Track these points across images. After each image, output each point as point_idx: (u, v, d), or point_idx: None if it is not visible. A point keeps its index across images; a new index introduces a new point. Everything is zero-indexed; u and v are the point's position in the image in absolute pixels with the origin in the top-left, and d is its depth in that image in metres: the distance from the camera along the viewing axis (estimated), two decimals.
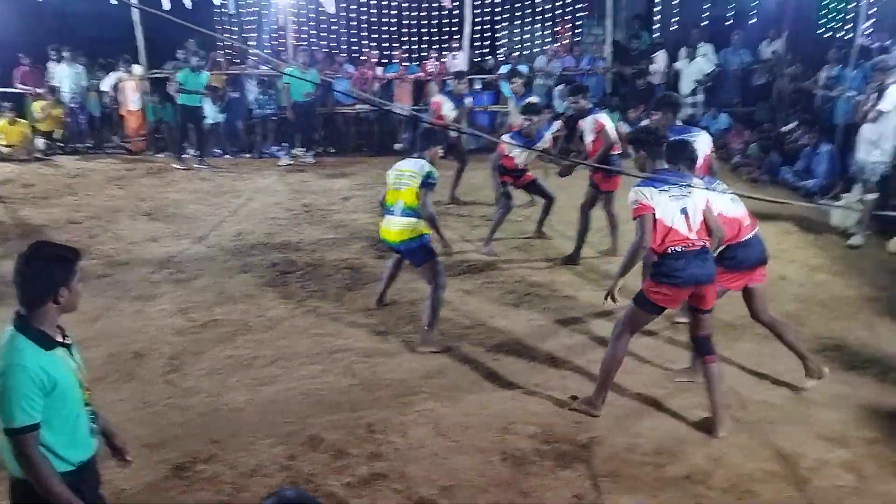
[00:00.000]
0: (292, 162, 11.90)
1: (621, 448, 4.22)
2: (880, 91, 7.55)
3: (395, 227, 5.40)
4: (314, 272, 7.00)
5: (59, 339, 2.62)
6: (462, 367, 5.19)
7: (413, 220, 5.35)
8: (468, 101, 9.51)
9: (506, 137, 7.61)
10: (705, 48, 12.51)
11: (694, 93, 12.46)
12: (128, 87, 12.65)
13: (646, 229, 4.12)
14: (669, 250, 4.17)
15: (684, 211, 4.17)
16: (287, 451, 4.23)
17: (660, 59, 12.80)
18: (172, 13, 11.50)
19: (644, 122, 6.22)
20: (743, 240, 4.60)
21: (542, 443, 4.27)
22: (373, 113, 13.17)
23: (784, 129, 10.93)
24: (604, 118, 6.98)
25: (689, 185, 4.25)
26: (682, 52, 12.66)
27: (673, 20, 13.09)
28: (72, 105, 12.60)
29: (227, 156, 12.66)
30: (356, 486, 3.91)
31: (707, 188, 4.43)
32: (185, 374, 5.11)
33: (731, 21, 12.30)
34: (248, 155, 12.71)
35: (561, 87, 12.31)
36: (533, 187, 7.78)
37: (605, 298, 4.45)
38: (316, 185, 10.58)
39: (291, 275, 6.95)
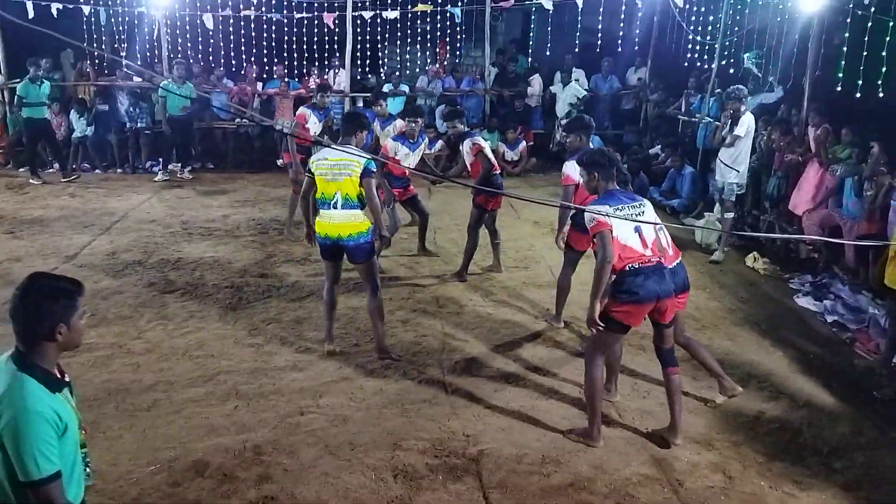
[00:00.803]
0: (167, 178, 11.50)
1: (509, 459, 4.35)
2: (734, 118, 8.18)
3: (340, 220, 5.21)
4: (195, 291, 6.80)
5: (59, 377, 2.46)
6: (350, 385, 5.19)
7: (357, 211, 5.22)
8: (333, 113, 9.28)
9: (390, 142, 7.43)
10: (578, 73, 13.15)
11: (568, 115, 13.02)
12: None
13: (606, 244, 4.16)
14: (627, 267, 4.25)
15: (637, 229, 4.29)
16: (170, 477, 4.09)
17: (535, 82, 13.33)
18: (37, 21, 10.92)
19: (565, 141, 6.23)
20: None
21: (432, 458, 4.34)
22: (253, 129, 12.95)
23: (650, 151, 11.61)
24: (480, 141, 7.11)
25: (641, 205, 4.40)
26: (557, 76, 13.24)
27: (547, 45, 13.64)
28: None
29: (97, 171, 12.08)
30: None
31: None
32: None
33: (601, 48, 12.96)
34: (120, 170, 12.17)
35: (442, 107, 12.56)
36: (412, 203, 7.85)
37: (590, 327, 4.39)
38: (194, 201, 10.27)
39: (170, 295, 6.73)
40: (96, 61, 12.96)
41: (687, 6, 11.10)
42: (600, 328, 4.32)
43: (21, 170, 11.66)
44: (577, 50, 13.15)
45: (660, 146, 11.44)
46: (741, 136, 8.11)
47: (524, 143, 12.59)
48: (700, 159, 10.29)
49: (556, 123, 13.38)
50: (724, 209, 8.47)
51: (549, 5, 12.24)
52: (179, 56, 12.22)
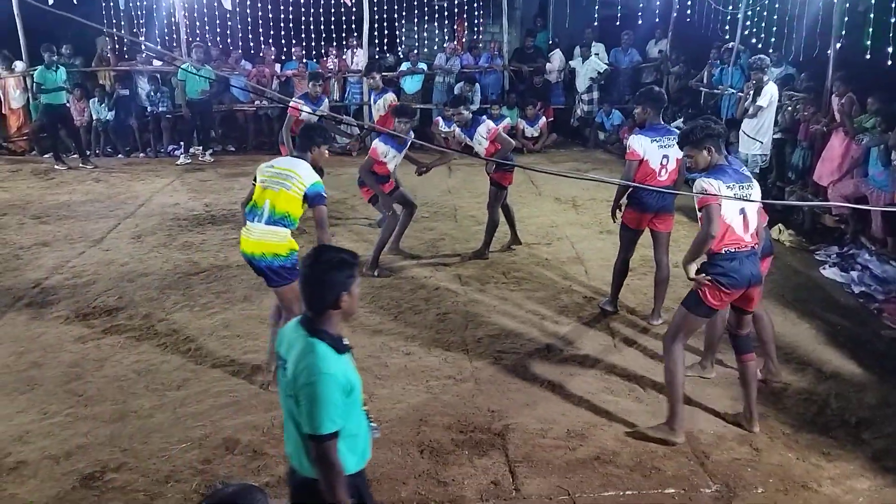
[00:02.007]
0: (189, 161, 11.59)
1: (534, 433, 4.37)
2: (757, 88, 8.07)
3: (258, 237, 4.52)
4: (219, 273, 6.87)
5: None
6: (375, 363, 5.23)
7: (280, 229, 4.54)
8: (325, 104, 8.87)
9: (378, 142, 6.85)
10: (598, 47, 13.00)
11: (589, 90, 12.94)
12: (9, 84, 12.00)
13: (712, 219, 3.95)
14: (724, 251, 4.06)
15: (743, 211, 4.08)
16: (201, 455, 4.16)
17: (556, 58, 13.21)
18: (56, 6, 10.96)
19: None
20: None
21: (458, 433, 4.37)
22: (273, 111, 12.98)
23: (672, 125, 11.47)
24: (493, 124, 6.98)
25: (750, 185, 4.14)
26: (577, 50, 13.10)
27: (565, 20, 13.49)
28: None
29: (119, 156, 12.20)
30: (275, 486, 3.88)
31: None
32: (88, 382, 4.92)
33: (620, 21, 12.79)
34: (142, 154, 12.28)
35: (461, 84, 12.50)
36: (396, 194, 7.16)
37: (696, 287, 4.15)
38: (216, 184, 10.35)
39: (195, 276, 6.80)
40: (116, 46, 13.02)
41: None
42: (706, 281, 4.08)
43: (45, 156, 11.80)
44: (596, 24, 13.00)
45: (682, 119, 11.30)
46: (764, 107, 8.02)
47: (544, 118, 12.52)
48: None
49: (576, 98, 13.28)
50: None
51: None
52: (198, 39, 12.24)
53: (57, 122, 11.39)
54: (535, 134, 12.49)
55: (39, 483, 3.89)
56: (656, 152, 5.56)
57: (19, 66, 11.97)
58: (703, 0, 11.41)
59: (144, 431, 4.37)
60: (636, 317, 6.00)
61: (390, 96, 8.74)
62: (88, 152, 11.82)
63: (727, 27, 11.11)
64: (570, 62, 13.21)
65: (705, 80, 11.58)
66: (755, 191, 4.18)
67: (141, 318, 5.92)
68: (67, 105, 11.49)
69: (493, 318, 5.98)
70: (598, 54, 12.92)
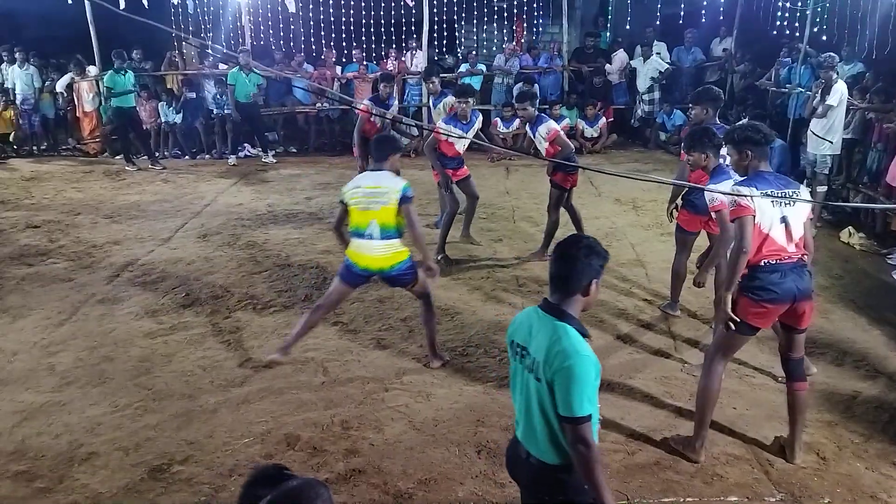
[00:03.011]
0: (235, 164, 11.91)
1: None
2: (826, 87, 7.83)
3: (380, 253, 4.84)
4: (281, 272, 7.00)
5: None
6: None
7: (396, 241, 4.86)
8: (395, 105, 8.98)
9: (441, 123, 7.41)
10: (659, 46, 12.80)
11: (650, 90, 12.75)
12: (82, 87, 12.49)
13: (745, 233, 3.72)
14: (763, 262, 3.80)
15: (784, 220, 3.81)
16: (263, 449, 4.25)
17: (617, 58, 13.05)
18: (128, 11, 11.32)
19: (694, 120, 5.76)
20: None
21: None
22: (333, 112, 13.17)
23: (737, 125, 11.21)
24: (554, 125, 6.97)
25: (795, 192, 3.86)
26: (638, 50, 12.93)
27: (627, 19, 13.33)
28: (24, 107, 12.35)
29: (186, 157, 12.57)
30: (334, 483, 3.94)
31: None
32: (156, 377, 5.08)
33: (683, 20, 12.57)
34: (208, 156, 12.62)
35: (520, 84, 12.47)
36: (464, 184, 7.57)
37: (721, 323, 3.98)
38: (279, 185, 10.56)
39: (258, 275, 6.95)
40: (184, 51, 13.40)
41: None
42: (731, 326, 3.88)
43: (117, 157, 12.23)
44: (658, 22, 12.80)
45: (747, 119, 11.03)
46: (834, 106, 7.78)
47: (604, 119, 12.40)
48: (790, 132, 9.90)
49: (636, 99, 13.11)
50: (816, 182, 8.15)
51: None
52: (256, 42, 12.50)
53: (126, 124, 11.79)
54: (595, 134, 12.38)
55: (110, 473, 4.03)
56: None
57: (92, 70, 12.43)
58: None
59: (209, 426, 4.49)
60: (698, 320, 5.90)
61: (450, 99, 8.78)
62: (157, 154, 12.21)
63: (795, 24, 10.81)
64: (631, 62, 13.04)
65: (772, 79, 11.28)
66: (803, 195, 3.93)
67: (206, 316, 6.08)
68: (136, 108, 11.88)
69: None
70: (659, 53, 12.72)
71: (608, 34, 14.03)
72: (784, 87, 10.81)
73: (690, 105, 5.97)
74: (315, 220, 8.69)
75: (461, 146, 7.32)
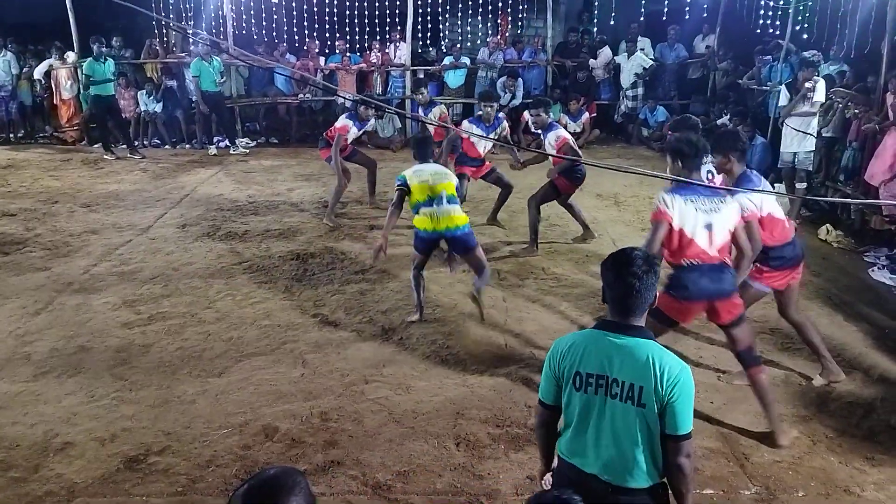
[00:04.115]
0: (215, 153, 11.82)
1: None
2: (812, 86, 7.91)
3: (455, 213, 5.62)
4: (262, 263, 6.96)
5: None
6: (412, 355, 5.26)
7: (458, 206, 5.73)
8: (372, 122, 8.96)
9: (465, 123, 7.73)
10: (643, 42, 12.85)
11: (634, 86, 12.80)
12: (60, 75, 12.31)
13: (654, 237, 3.99)
14: (684, 262, 4.05)
15: (709, 227, 4.02)
16: (241, 441, 4.23)
17: (603, 54, 13.08)
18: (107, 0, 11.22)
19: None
20: (791, 238, 4.68)
21: (494, 427, 4.37)
22: (316, 103, 13.09)
23: (718, 122, 11.29)
24: (565, 134, 7.11)
25: (722, 201, 4.07)
26: (622, 46, 12.96)
27: (611, 15, 13.36)
28: (1, 94, 12.18)
29: (166, 146, 12.44)
30: (313, 474, 3.93)
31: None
32: (133, 367, 5.03)
33: (667, 16, 12.63)
34: (188, 146, 12.50)
35: (503, 79, 12.47)
36: (492, 177, 7.89)
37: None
38: (260, 176, 10.49)
39: (238, 266, 6.90)
40: (164, 39, 13.26)
41: None
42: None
43: (95, 146, 12.09)
44: (642, 18, 12.84)
45: (728, 116, 11.11)
46: (823, 102, 7.87)
47: (587, 114, 12.42)
48: (770, 129, 9.98)
49: (620, 94, 13.15)
50: (796, 179, 8.22)
51: None
52: (238, 32, 12.40)
53: (105, 112, 11.66)
54: (578, 129, 12.38)
55: (86, 464, 3.99)
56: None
57: (71, 57, 12.26)
58: None
59: (187, 416, 4.46)
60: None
61: (437, 110, 8.92)
62: (136, 143, 12.08)
63: (777, 22, 10.89)
64: (614, 57, 13.08)
65: (754, 77, 11.36)
66: (727, 209, 4.06)
67: (185, 306, 6.03)
68: (115, 97, 11.74)
69: (531, 314, 5.97)
70: (643, 49, 12.77)
71: (594, 29, 14.06)
72: (765, 86, 10.89)
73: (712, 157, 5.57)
74: (296, 212, 8.65)
75: (482, 147, 7.60)
